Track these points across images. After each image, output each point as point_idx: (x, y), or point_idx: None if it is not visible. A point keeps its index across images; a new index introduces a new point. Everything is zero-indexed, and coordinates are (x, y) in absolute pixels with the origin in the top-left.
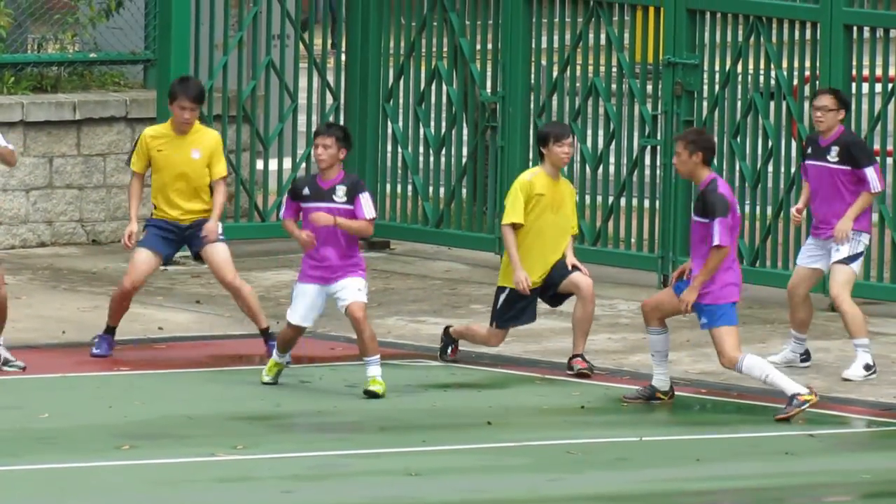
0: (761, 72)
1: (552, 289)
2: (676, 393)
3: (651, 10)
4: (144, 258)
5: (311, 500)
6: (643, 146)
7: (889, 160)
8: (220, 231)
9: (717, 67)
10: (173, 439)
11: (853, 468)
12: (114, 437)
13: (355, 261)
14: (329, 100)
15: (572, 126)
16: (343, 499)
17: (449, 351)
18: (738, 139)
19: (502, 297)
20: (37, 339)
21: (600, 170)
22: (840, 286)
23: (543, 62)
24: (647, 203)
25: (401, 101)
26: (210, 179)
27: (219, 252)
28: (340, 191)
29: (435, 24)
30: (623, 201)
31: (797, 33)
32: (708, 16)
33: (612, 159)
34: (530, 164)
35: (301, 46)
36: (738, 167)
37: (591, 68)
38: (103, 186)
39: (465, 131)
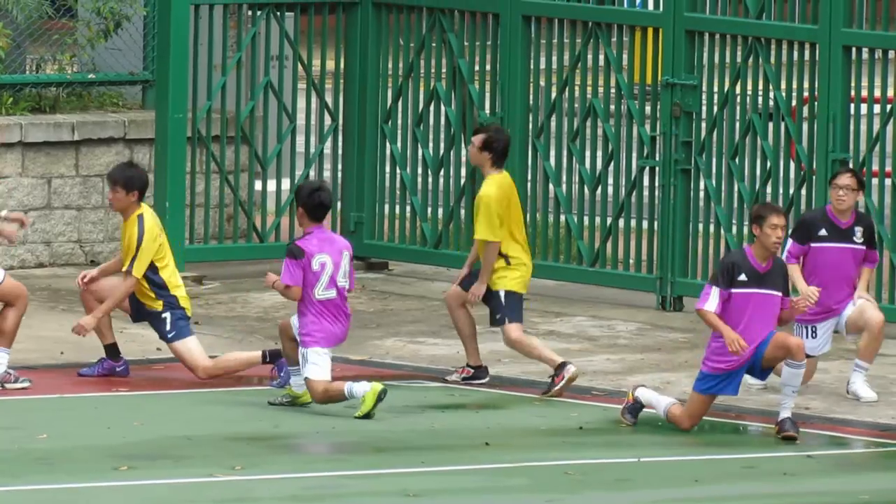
0: (760, 93)
1: None
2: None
3: (650, 30)
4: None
5: None
6: (641, 167)
7: (888, 181)
8: (167, 327)
9: (715, 88)
10: (172, 460)
11: (852, 489)
12: (112, 458)
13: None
14: (328, 121)
15: (571, 147)
16: None
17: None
18: (737, 160)
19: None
20: (35, 359)
21: (599, 191)
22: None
23: (542, 83)
24: (645, 224)
25: (399, 122)
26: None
27: (178, 351)
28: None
29: (433, 44)
30: (621, 222)
31: (796, 54)
32: (707, 37)
33: (610, 180)
34: (528, 185)
35: (300, 67)
36: (736, 188)
37: (589, 89)
38: (102, 207)
39: (463, 152)
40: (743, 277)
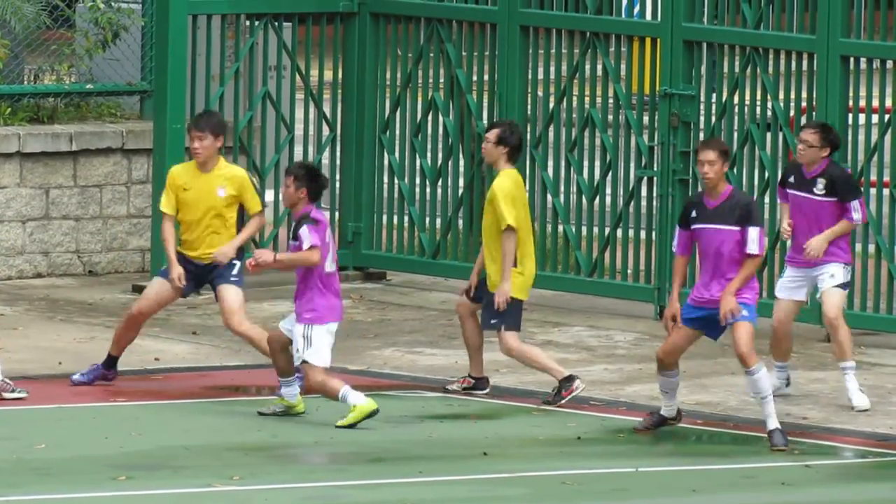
0: (758, 103)
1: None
2: (677, 425)
3: (648, 41)
4: (157, 286)
5: None
6: (640, 177)
7: (885, 191)
8: (234, 271)
9: (713, 98)
10: (170, 470)
11: (850, 499)
12: (110, 468)
13: (300, 302)
14: (325, 131)
15: (569, 157)
16: None
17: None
18: (735, 170)
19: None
20: (33, 369)
21: (597, 201)
22: (838, 309)
23: (540, 93)
24: (643, 234)
25: (397, 132)
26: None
27: (229, 294)
28: (294, 231)
29: (431, 55)
30: (619, 232)
31: (794, 64)
32: (704, 47)
33: (608, 190)
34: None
35: (297, 78)
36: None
37: (587, 99)
38: (100, 217)
39: (461, 162)
40: (694, 214)
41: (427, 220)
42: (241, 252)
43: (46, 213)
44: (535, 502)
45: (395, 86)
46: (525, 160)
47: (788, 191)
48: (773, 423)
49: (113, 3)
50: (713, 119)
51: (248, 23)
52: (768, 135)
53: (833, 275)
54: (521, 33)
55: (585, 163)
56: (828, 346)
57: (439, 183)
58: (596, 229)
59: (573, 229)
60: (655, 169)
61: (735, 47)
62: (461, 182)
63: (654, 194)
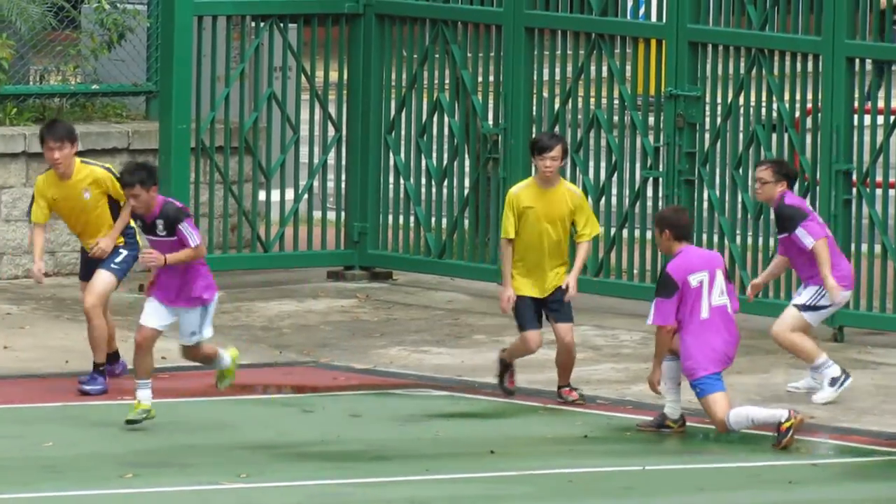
0: (763, 104)
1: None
2: (694, 425)
3: (653, 42)
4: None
5: None
6: (645, 178)
7: (892, 192)
8: (117, 259)
9: (719, 99)
10: (177, 468)
11: (856, 497)
12: (117, 466)
13: (195, 287)
14: (331, 131)
15: (574, 158)
16: None
17: (506, 381)
18: (741, 171)
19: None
20: (41, 368)
21: (602, 201)
22: (782, 326)
23: (545, 94)
24: (649, 234)
25: (402, 132)
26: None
27: (99, 277)
28: (159, 225)
29: (437, 55)
30: (625, 232)
31: (799, 65)
32: (710, 48)
33: (614, 191)
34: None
35: (303, 78)
36: (740, 198)
37: (592, 100)
38: None
39: (466, 163)
40: None
41: (433, 219)
42: (132, 242)
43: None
44: (542, 500)
45: (401, 87)
46: (530, 161)
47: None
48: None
49: (118, 5)
50: (719, 120)
51: (253, 24)
52: (773, 136)
53: (801, 294)
54: (527, 34)
55: (591, 163)
56: (837, 346)
57: (445, 183)
58: (602, 229)
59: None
60: (661, 170)
61: (741, 49)
62: (466, 182)
63: (660, 195)
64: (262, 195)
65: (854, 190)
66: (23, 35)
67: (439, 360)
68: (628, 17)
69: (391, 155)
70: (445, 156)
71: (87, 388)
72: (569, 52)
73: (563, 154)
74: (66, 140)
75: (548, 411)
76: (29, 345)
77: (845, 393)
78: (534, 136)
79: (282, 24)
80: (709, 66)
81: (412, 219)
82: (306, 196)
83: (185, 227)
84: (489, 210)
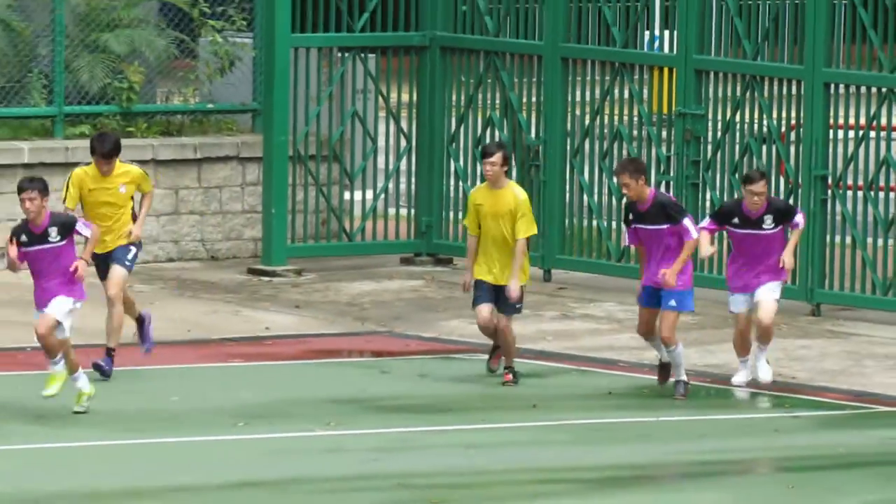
0: (755, 121)
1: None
2: (696, 383)
3: (665, 70)
4: None
5: (390, 468)
6: (659, 181)
7: (860, 193)
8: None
9: (719, 117)
10: (279, 418)
11: (831, 443)
12: (231, 417)
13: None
14: (402, 142)
15: (602, 165)
16: (415, 467)
17: (490, 362)
18: (737, 175)
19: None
20: (167, 336)
21: (623, 200)
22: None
23: (577, 112)
24: None
25: (461, 143)
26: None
27: (117, 271)
28: (52, 231)
29: (489, 81)
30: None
31: (785, 89)
32: (712, 75)
33: None
34: (567, 195)
35: (380, 99)
36: (735, 197)
37: (616, 117)
38: (220, 213)
39: (513, 169)
40: (631, 216)
41: None
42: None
43: (176, 209)
44: (577, 445)
45: (460, 106)
46: (565, 167)
47: (738, 231)
48: (680, 377)
49: (229, 38)
50: (719, 134)
51: (339, 54)
52: (764, 147)
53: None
54: (562, 63)
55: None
56: (812, 319)
57: None
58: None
59: (605, 223)
60: (672, 175)
61: (737, 75)
62: None
63: (671, 194)
64: (346, 195)
65: (829, 191)
66: (151, 63)
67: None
68: (646, 49)
69: (452, 162)
70: None
71: (103, 367)
72: (597, 77)
73: (504, 161)
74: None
75: (579, 373)
76: (156, 317)
77: (822, 358)
78: (571, 147)
79: (362, 55)
80: (711, 90)
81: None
82: (383, 196)
83: (82, 226)
84: (533, 206)
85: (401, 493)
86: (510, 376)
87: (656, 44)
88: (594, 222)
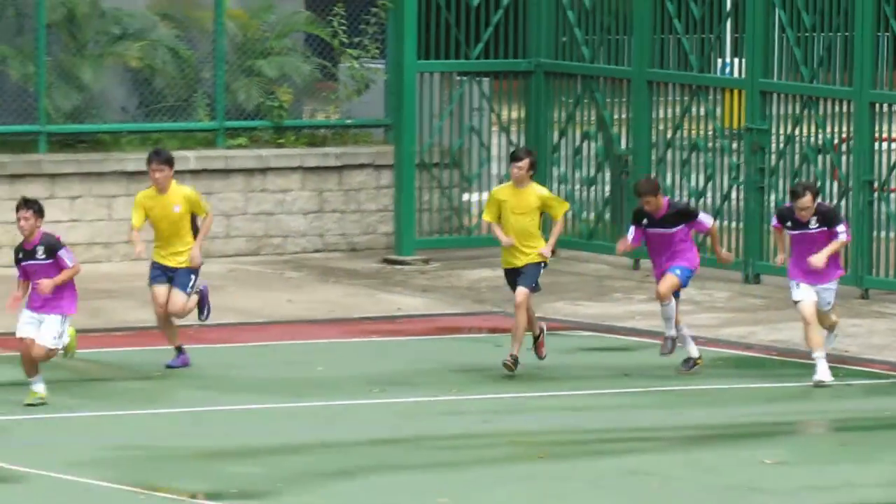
0: (812, 134)
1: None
2: (757, 355)
3: (735, 91)
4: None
5: (503, 428)
6: (731, 185)
7: None
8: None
9: (781, 131)
10: (409, 385)
11: (878, 407)
12: (368, 384)
13: (57, 302)
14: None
15: (682, 171)
16: (524, 427)
17: (538, 350)
18: (796, 181)
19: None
20: (314, 315)
21: (701, 201)
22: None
23: (661, 127)
24: (734, 224)
25: (562, 153)
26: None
27: (178, 297)
28: (40, 250)
29: (585, 100)
30: (717, 223)
31: (837, 108)
32: (775, 95)
33: (709, 194)
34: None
35: (493, 116)
36: None
37: (693, 132)
38: (358, 211)
39: (607, 174)
40: (645, 221)
41: (584, 213)
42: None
43: (321, 208)
44: (661, 409)
45: (560, 122)
46: (652, 172)
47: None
48: (669, 333)
49: (364, 64)
50: (781, 145)
51: (458, 78)
52: (819, 156)
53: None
54: (648, 86)
55: (693, 175)
56: (864, 302)
57: (592, 189)
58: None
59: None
60: (741, 179)
61: (797, 96)
62: (607, 188)
63: (741, 197)
64: (465, 196)
65: (875, 194)
66: (298, 85)
67: (589, 310)
68: (718, 73)
69: (554, 168)
70: (592, 170)
71: (173, 364)
72: (677, 98)
73: (531, 166)
74: (165, 164)
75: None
76: (304, 299)
77: (870, 334)
78: (656, 156)
79: (478, 78)
80: (774, 108)
81: (571, 213)
82: None
83: (65, 253)
84: (623, 207)
85: (512, 448)
86: (509, 359)
87: (727, 69)
88: None
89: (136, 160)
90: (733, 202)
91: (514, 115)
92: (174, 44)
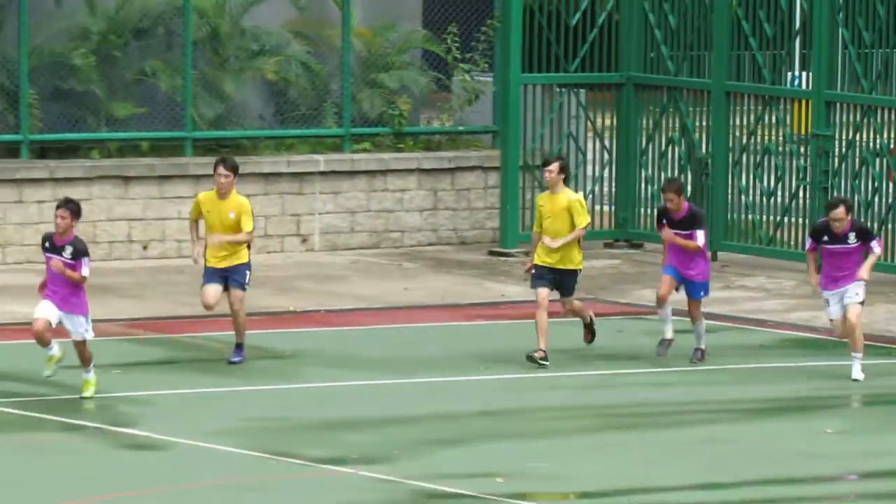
0: (872, 140)
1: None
2: (819, 337)
3: (803, 101)
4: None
5: (593, 401)
6: (799, 185)
7: None
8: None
9: (844, 137)
10: (511, 363)
11: None
12: (475, 362)
13: (76, 301)
14: (605, 156)
15: (755, 173)
16: (612, 401)
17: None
18: (858, 182)
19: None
20: (426, 301)
21: (772, 200)
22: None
23: (737, 133)
24: (800, 220)
25: (650, 157)
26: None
27: (236, 294)
28: (68, 250)
29: (670, 109)
30: (786, 219)
31: (894, 116)
32: (838, 105)
33: (779, 193)
34: (729, 196)
35: (588, 123)
36: (857, 199)
37: (766, 137)
38: (468, 209)
39: (689, 176)
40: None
41: None
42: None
43: (435, 206)
44: (734, 385)
45: (648, 128)
46: (728, 174)
47: (830, 247)
48: (668, 335)
49: (475, 77)
50: (844, 150)
51: (557, 89)
52: (877, 159)
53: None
54: (726, 97)
55: (765, 176)
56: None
57: None
58: (773, 216)
59: (758, 216)
60: (808, 180)
61: (857, 105)
62: (689, 187)
63: (808, 196)
64: None
65: None
66: (416, 95)
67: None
68: (788, 85)
69: (642, 170)
70: (676, 171)
71: (233, 359)
72: (751, 107)
73: (560, 169)
74: (231, 171)
75: (738, 330)
76: (419, 287)
77: None
78: (732, 159)
79: (575, 90)
80: (838, 116)
81: (655, 210)
82: (591, 196)
83: (86, 261)
84: (703, 205)
85: (601, 420)
86: (537, 355)
87: (796, 82)
88: (749, 216)
89: (271, 163)
90: (800, 201)
91: (608, 122)
92: (306, 59)
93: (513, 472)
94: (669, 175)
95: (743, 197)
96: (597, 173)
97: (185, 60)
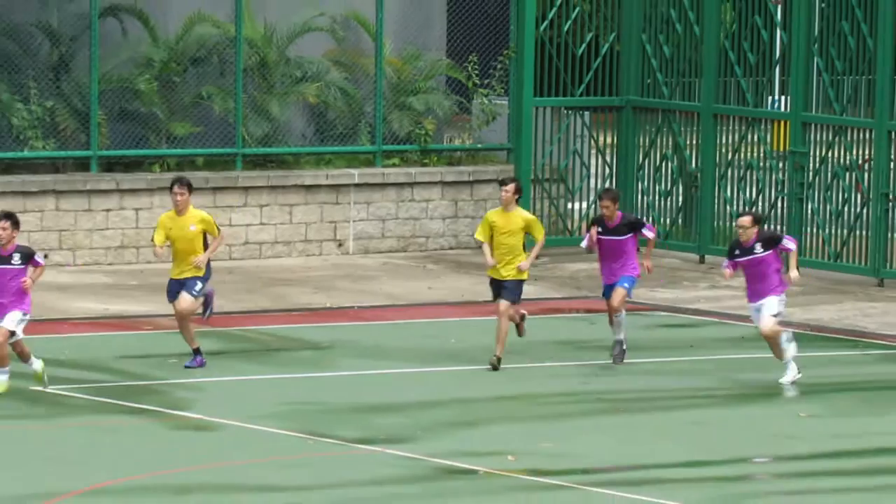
0: (842, 156)
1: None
2: (795, 331)
3: (782, 122)
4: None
5: (593, 388)
6: (777, 196)
7: None
8: (195, 287)
9: (817, 153)
10: (521, 354)
11: (892, 371)
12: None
13: (18, 300)
14: (607, 170)
15: (738, 186)
16: (610, 387)
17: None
18: (830, 193)
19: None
20: (446, 299)
21: (754, 209)
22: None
23: (723, 150)
24: (779, 227)
25: (646, 171)
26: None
27: (185, 299)
28: (16, 257)
29: (665, 129)
30: (766, 226)
31: (862, 135)
32: (813, 125)
33: (760, 203)
34: (716, 205)
35: (591, 141)
36: (828, 209)
37: (749, 154)
38: None
39: (681, 188)
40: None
41: (661, 218)
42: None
43: (456, 214)
44: (720, 373)
45: (645, 146)
46: (715, 187)
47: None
48: (619, 336)
49: (492, 100)
50: (818, 164)
51: (565, 111)
52: (847, 174)
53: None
54: (713, 118)
55: (748, 188)
56: (879, 289)
57: (668, 198)
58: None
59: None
60: (785, 192)
61: (829, 126)
62: (680, 199)
63: (785, 205)
64: (569, 205)
65: (890, 203)
66: (440, 117)
67: (663, 295)
68: (768, 108)
69: (639, 183)
70: (669, 184)
71: (191, 364)
72: (736, 127)
73: (516, 190)
74: (186, 188)
75: (722, 325)
76: (441, 286)
77: (885, 314)
78: (719, 173)
79: (580, 111)
80: (813, 135)
81: (650, 219)
82: (594, 206)
83: (39, 255)
84: (693, 215)
85: (599, 404)
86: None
87: (776, 105)
88: (733, 223)
89: (311, 176)
90: (779, 210)
91: (609, 140)
92: (343, 84)
93: (523, 451)
94: (663, 188)
95: (728, 206)
96: (599, 185)
97: (237, 85)
